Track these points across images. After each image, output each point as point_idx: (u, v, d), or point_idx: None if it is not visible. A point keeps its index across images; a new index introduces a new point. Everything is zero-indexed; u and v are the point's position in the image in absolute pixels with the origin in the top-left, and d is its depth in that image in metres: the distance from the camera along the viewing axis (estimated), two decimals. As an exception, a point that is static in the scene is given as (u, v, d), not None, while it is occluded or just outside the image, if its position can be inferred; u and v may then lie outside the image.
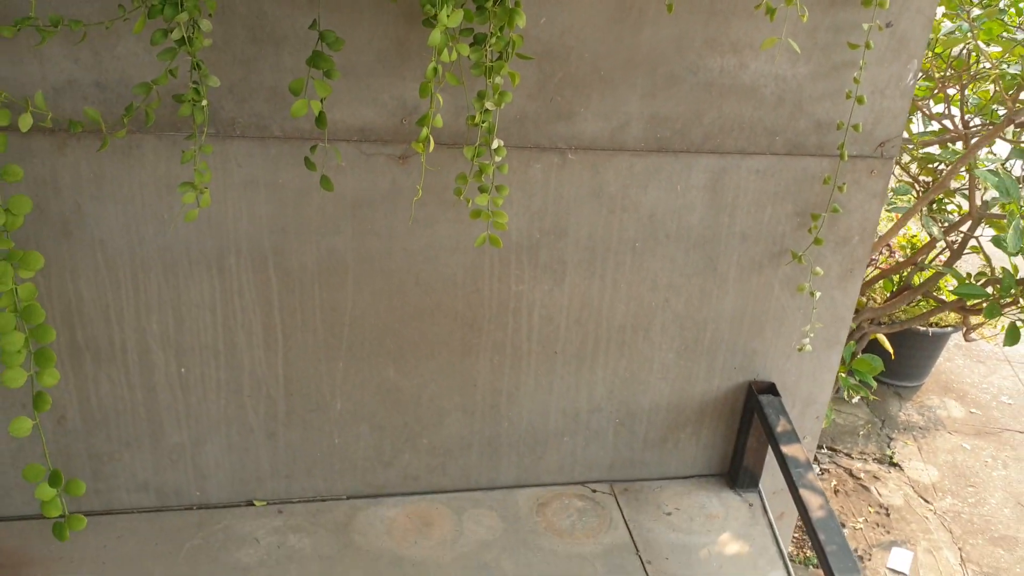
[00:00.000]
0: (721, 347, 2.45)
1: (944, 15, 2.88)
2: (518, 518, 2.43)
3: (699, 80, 2.09)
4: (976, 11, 2.65)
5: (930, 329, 4.52)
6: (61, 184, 1.93)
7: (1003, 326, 4.07)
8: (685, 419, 2.54)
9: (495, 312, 2.28)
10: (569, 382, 2.42)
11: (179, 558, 2.23)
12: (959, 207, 3.83)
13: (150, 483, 2.34)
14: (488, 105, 1.83)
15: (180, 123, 1.92)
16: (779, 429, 2.30)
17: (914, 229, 4.77)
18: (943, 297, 4.09)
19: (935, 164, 3.85)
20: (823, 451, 4.26)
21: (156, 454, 2.29)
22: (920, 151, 3.66)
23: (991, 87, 3.23)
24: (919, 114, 3.60)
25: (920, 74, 3.42)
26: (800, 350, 2.43)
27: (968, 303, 3.52)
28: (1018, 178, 3.27)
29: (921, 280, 3.93)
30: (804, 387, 2.55)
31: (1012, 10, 2.96)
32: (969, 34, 2.83)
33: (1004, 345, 3.11)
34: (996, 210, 3.24)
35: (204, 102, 1.73)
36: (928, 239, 3.77)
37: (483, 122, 1.86)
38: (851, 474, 4.14)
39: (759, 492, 2.56)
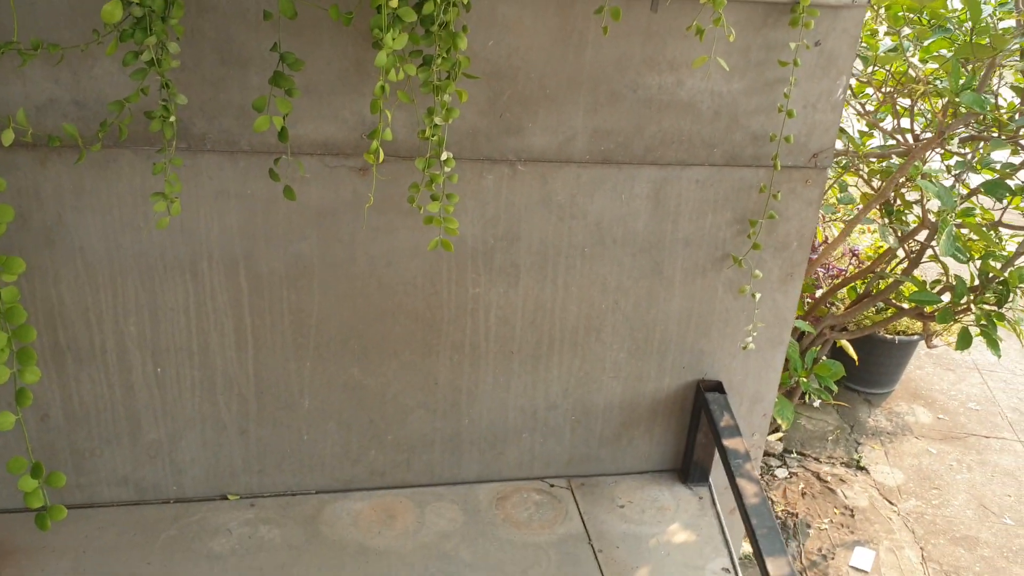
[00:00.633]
0: (670, 347, 2.59)
1: (886, 33, 3.04)
2: (478, 511, 2.57)
3: (639, 97, 2.25)
4: (907, 29, 2.81)
5: (897, 337, 4.67)
6: (43, 195, 2.08)
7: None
8: (638, 417, 2.68)
9: (454, 314, 2.43)
10: (526, 381, 2.56)
11: (155, 547, 2.36)
12: (919, 217, 3.99)
13: (129, 478, 2.48)
14: (437, 120, 1.99)
15: (153, 138, 2.07)
16: (722, 424, 2.44)
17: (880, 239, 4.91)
18: (904, 304, 4.23)
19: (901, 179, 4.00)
20: (792, 455, 4.40)
21: (135, 450, 2.44)
22: (881, 164, 3.81)
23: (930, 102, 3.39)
24: (878, 130, 3.76)
25: (857, 89, 3.58)
26: (744, 348, 2.58)
27: (926, 310, 3.67)
28: (973, 187, 3.42)
29: (882, 288, 4.08)
30: (751, 386, 2.69)
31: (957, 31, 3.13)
32: (911, 50, 2.99)
33: (956, 349, 3.26)
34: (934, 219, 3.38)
35: (172, 118, 1.88)
36: (888, 248, 3.92)
37: (433, 136, 2.01)
38: (818, 477, 4.27)
39: (709, 486, 2.70)
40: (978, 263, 3.29)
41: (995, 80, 3.27)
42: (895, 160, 3.71)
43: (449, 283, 2.39)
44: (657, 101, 2.26)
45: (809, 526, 3.91)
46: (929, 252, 3.74)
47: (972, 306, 3.33)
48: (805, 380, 3.74)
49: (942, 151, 3.53)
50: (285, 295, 2.32)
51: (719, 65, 2.22)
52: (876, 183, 3.99)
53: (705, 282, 2.51)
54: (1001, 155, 3.37)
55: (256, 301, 2.31)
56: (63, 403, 2.33)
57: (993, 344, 3.22)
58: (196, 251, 2.23)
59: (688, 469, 2.70)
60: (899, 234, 3.71)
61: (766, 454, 4.38)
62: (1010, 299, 3.32)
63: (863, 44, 3.18)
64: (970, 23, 2.59)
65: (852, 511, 4.03)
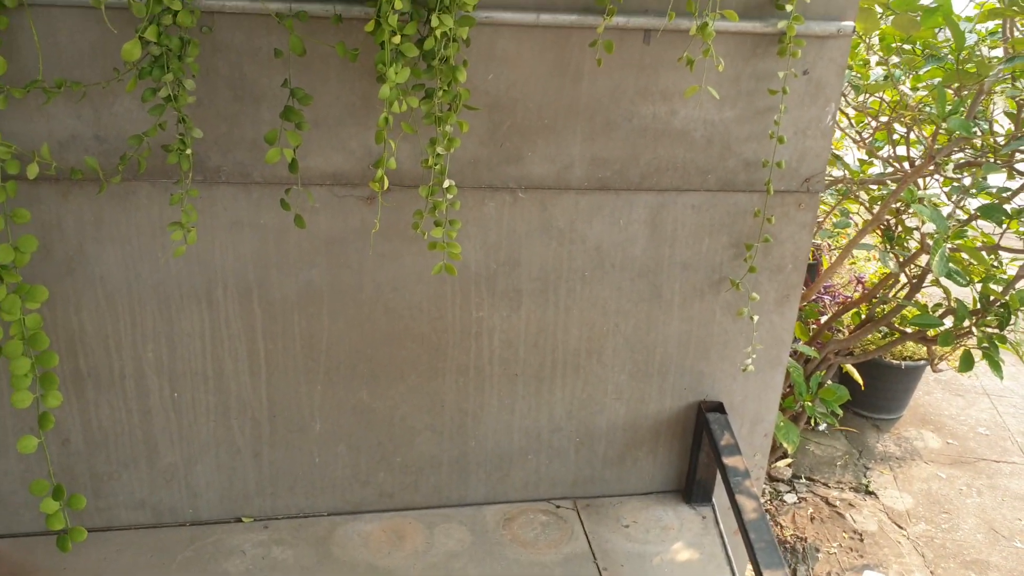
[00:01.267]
0: (671, 369, 2.66)
1: (877, 62, 3.14)
2: (485, 531, 2.63)
3: (634, 126, 2.34)
4: (895, 58, 2.90)
5: (903, 362, 4.71)
6: (65, 227, 2.18)
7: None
8: (641, 438, 2.74)
9: (459, 337, 2.51)
10: (530, 403, 2.63)
11: (172, 569, 2.43)
12: (920, 243, 4.05)
13: (146, 501, 2.55)
14: (439, 150, 2.08)
15: (171, 171, 2.17)
16: (723, 443, 2.50)
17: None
18: (907, 329, 4.28)
19: (897, 204, 4.07)
20: (801, 481, 4.43)
21: (152, 474, 2.52)
22: (881, 190, 3.89)
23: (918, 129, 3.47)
24: (877, 158, 3.84)
25: (857, 117, 3.66)
26: (744, 370, 2.64)
27: (929, 333, 3.72)
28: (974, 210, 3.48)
29: (885, 312, 4.13)
30: (751, 406, 2.75)
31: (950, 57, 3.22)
32: (903, 78, 3.08)
33: (959, 371, 3.30)
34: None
35: (188, 151, 1.98)
36: (884, 272, 3.98)
37: (435, 165, 2.11)
38: (827, 502, 4.29)
39: (712, 505, 2.75)
40: (979, 286, 3.35)
41: (990, 106, 3.35)
42: (892, 186, 3.78)
43: (454, 307, 2.47)
44: (652, 130, 2.35)
45: (818, 550, 3.93)
46: (931, 276, 3.80)
47: (974, 329, 3.38)
48: (810, 404, 3.79)
49: (942, 177, 3.61)
50: (296, 321, 2.41)
51: (710, 94, 2.31)
52: (876, 210, 4.06)
53: (703, 305, 2.59)
54: (998, 179, 3.44)
55: (269, 327, 2.40)
56: (83, 428, 2.42)
57: (995, 366, 3.26)
58: (211, 279, 2.32)
59: (691, 489, 2.75)
60: (900, 259, 3.77)
61: (775, 479, 4.42)
62: (1012, 322, 3.37)
63: (855, 74, 3.27)
64: (958, 51, 2.68)
65: (861, 535, 4.05)
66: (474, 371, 2.56)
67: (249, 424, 2.50)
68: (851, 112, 3.95)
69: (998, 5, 2.70)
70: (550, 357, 2.58)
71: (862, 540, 4.03)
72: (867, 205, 3.98)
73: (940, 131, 2.94)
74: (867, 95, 3.33)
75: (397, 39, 1.88)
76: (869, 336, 4.23)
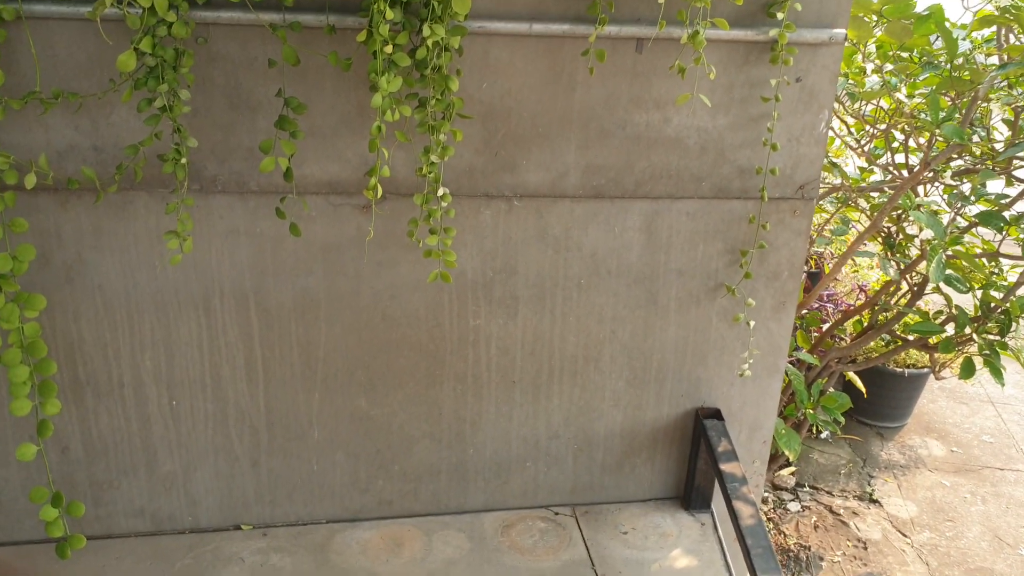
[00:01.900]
0: (668, 376, 2.67)
1: (873, 70, 3.15)
2: (484, 539, 2.63)
3: (628, 134, 2.35)
4: (889, 66, 2.91)
5: (906, 370, 4.70)
6: (64, 236, 2.21)
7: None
8: (639, 445, 2.75)
9: (456, 345, 2.52)
10: (528, 410, 2.64)
11: (171, 575, 2.45)
12: (921, 251, 4.05)
13: (145, 509, 2.57)
14: (433, 158, 2.10)
15: (168, 180, 2.20)
16: (720, 449, 2.51)
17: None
18: (909, 336, 4.27)
19: (898, 211, 4.08)
20: (805, 489, 4.42)
21: (151, 482, 2.53)
22: (881, 198, 3.89)
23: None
24: (876, 166, 3.85)
25: (861, 128, 3.67)
26: (741, 375, 2.65)
27: (931, 341, 3.71)
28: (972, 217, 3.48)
29: (886, 320, 4.13)
30: (749, 413, 2.75)
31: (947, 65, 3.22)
32: (900, 86, 3.09)
33: (960, 378, 3.30)
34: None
35: (184, 160, 2.01)
36: (884, 279, 3.98)
37: (430, 173, 2.13)
38: (831, 510, 4.28)
39: (711, 512, 2.75)
40: (979, 293, 3.35)
41: (990, 113, 3.35)
42: (890, 193, 3.78)
43: (451, 315, 2.48)
44: (645, 138, 2.37)
45: (822, 559, 3.92)
46: (932, 284, 3.79)
47: (975, 336, 3.38)
48: (812, 412, 3.79)
49: (942, 184, 3.61)
50: (293, 329, 2.42)
51: (703, 102, 2.32)
52: (876, 217, 4.07)
53: (699, 311, 2.59)
54: (997, 186, 3.44)
55: (266, 335, 2.42)
56: (83, 436, 2.44)
57: (997, 373, 3.26)
58: (209, 288, 2.34)
59: (690, 496, 2.75)
60: (900, 266, 3.77)
61: (779, 488, 4.41)
62: (1012, 328, 3.36)
63: (851, 82, 3.28)
64: (951, 58, 2.68)
65: (865, 544, 4.04)
66: (472, 379, 2.57)
67: (247, 432, 2.52)
68: (850, 120, 3.96)
69: (996, 13, 2.71)
70: (547, 364, 2.59)
71: (866, 548, 4.01)
72: (867, 213, 3.98)
73: (936, 138, 2.94)
74: (863, 103, 3.33)
75: (389, 49, 1.90)
76: (871, 344, 4.22)
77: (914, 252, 4.00)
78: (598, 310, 2.55)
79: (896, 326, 3.98)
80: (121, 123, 2.12)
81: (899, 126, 3.35)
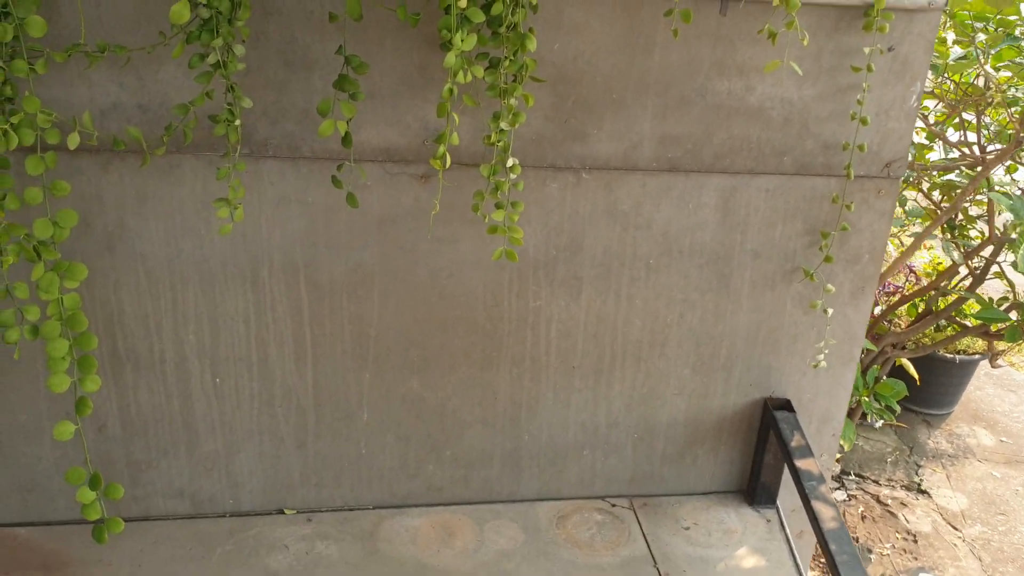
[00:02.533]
0: (737, 363, 2.51)
1: (955, 41, 2.96)
2: (538, 530, 2.49)
3: (708, 102, 2.19)
4: (981, 36, 2.72)
5: (957, 356, 4.53)
6: (106, 200, 2.06)
7: (1030, 352, 4.08)
8: (703, 435, 2.60)
9: (514, 326, 2.37)
10: (587, 396, 2.49)
11: (211, 562, 2.32)
12: (982, 233, 3.88)
13: (185, 491, 2.44)
14: (503, 125, 1.94)
15: (216, 144, 2.04)
16: (793, 444, 2.36)
17: (940, 255, 4.80)
18: (967, 322, 4.11)
19: (957, 191, 3.89)
20: (850, 477, 4.27)
21: (191, 462, 2.40)
22: (941, 178, 3.71)
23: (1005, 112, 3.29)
24: (939, 142, 3.66)
25: (922, 98, 3.49)
26: (815, 367, 2.49)
27: (992, 328, 3.55)
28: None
29: (944, 305, 3.97)
30: (820, 404, 2.60)
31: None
32: (981, 59, 2.90)
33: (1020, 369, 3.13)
34: (1014, 235, 3.28)
35: (237, 122, 1.85)
36: (950, 264, 3.81)
37: (499, 141, 1.97)
38: (879, 500, 4.14)
39: (777, 508, 2.61)
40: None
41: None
42: (956, 175, 3.61)
43: (510, 295, 2.33)
44: (727, 107, 2.20)
45: (871, 551, 3.78)
46: (995, 269, 3.63)
47: (1042, 324, 3.22)
48: (867, 400, 3.64)
49: (1009, 162, 3.43)
50: (345, 304, 2.28)
51: (790, 70, 2.15)
52: (936, 196, 3.89)
53: (774, 295, 2.43)
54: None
55: (316, 310, 2.28)
56: (120, 413, 2.31)
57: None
58: (257, 259, 2.19)
59: (754, 490, 2.61)
60: (963, 249, 3.60)
61: (824, 476, 4.26)
62: (1082, 318, 3.21)
63: (933, 52, 3.09)
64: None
65: (915, 536, 3.90)
66: (529, 362, 2.42)
67: (294, 412, 2.38)
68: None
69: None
70: (609, 349, 2.44)
71: (916, 541, 3.87)
72: (925, 191, 3.81)
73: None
74: (944, 76, 3.15)
75: (463, 3, 1.74)
76: (926, 330, 4.06)
77: (974, 234, 3.83)
78: (667, 292, 2.39)
79: (953, 312, 3.81)
80: (169, 80, 1.96)
81: (972, 101, 3.17)
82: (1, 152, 1.78)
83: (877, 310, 4.20)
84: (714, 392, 2.54)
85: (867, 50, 2.16)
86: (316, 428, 2.41)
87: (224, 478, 2.44)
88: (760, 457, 2.57)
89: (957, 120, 3.50)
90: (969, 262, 3.68)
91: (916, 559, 3.77)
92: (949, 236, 3.74)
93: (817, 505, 2.16)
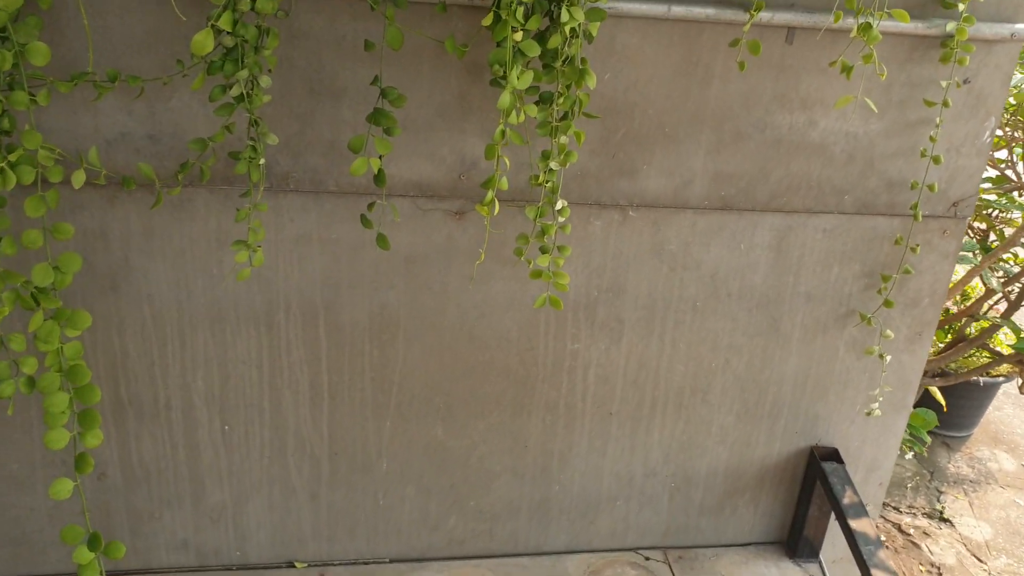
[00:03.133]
0: (783, 411, 2.35)
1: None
2: (568, 585, 2.33)
3: (766, 137, 2.01)
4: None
5: (982, 379, 4.39)
6: (110, 237, 1.87)
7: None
8: (744, 485, 2.44)
9: (549, 371, 2.20)
10: (624, 444, 2.33)
11: (218, 622, 2.15)
12: (1015, 255, 3.73)
13: (190, 542, 2.26)
14: (552, 165, 1.76)
15: (233, 177, 1.85)
16: (846, 501, 2.20)
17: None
18: (999, 349, 3.97)
19: (989, 210, 3.74)
20: (871, 505, 4.13)
21: (197, 513, 2.22)
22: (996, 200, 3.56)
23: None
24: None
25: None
26: (868, 414, 2.33)
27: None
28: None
29: (976, 331, 3.82)
30: (868, 453, 2.44)
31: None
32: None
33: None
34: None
35: (262, 161, 1.66)
36: (983, 289, 3.66)
37: (547, 182, 1.78)
38: (900, 529, 4.00)
39: (820, 563, 2.45)
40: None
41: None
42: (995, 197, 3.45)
43: (546, 338, 2.16)
44: (787, 142, 2.02)
45: (895, 585, 3.63)
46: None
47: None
48: (898, 431, 3.48)
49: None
50: (367, 349, 2.10)
51: (857, 105, 1.98)
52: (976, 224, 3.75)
53: (826, 340, 2.27)
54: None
55: (335, 355, 2.09)
56: (121, 462, 2.12)
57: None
58: (273, 300, 2.01)
59: (796, 543, 2.45)
60: (1005, 276, 3.45)
61: (844, 503, 4.11)
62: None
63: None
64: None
65: (939, 569, 3.76)
66: (564, 408, 2.25)
67: (308, 462, 2.20)
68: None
69: None
70: (650, 395, 2.27)
71: (941, 574, 3.73)
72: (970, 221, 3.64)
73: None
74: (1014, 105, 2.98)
75: (519, 36, 1.55)
76: (958, 357, 3.91)
77: (1006, 256, 3.68)
78: (713, 336, 2.22)
79: (987, 338, 3.67)
80: (182, 108, 1.77)
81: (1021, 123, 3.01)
82: (-4, 192, 1.59)
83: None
84: (757, 440, 2.38)
85: (944, 83, 1.99)
86: (331, 479, 2.23)
87: (231, 530, 2.26)
88: (804, 509, 2.41)
89: (1011, 145, 3.35)
90: (1006, 288, 3.53)
91: (941, 594, 3.63)
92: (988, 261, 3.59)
93: (877, 574, 2.00)
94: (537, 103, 1.73)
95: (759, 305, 2.20)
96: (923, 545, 3.90)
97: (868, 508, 2.50)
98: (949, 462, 4.48)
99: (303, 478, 2.22)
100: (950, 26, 1.91)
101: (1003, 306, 4.15)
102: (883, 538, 3.91)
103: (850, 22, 1.85)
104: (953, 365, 4.10)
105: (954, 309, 4.37)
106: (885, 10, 1.80)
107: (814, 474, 2.35)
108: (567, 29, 1.59)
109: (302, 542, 2.31)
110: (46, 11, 1.61)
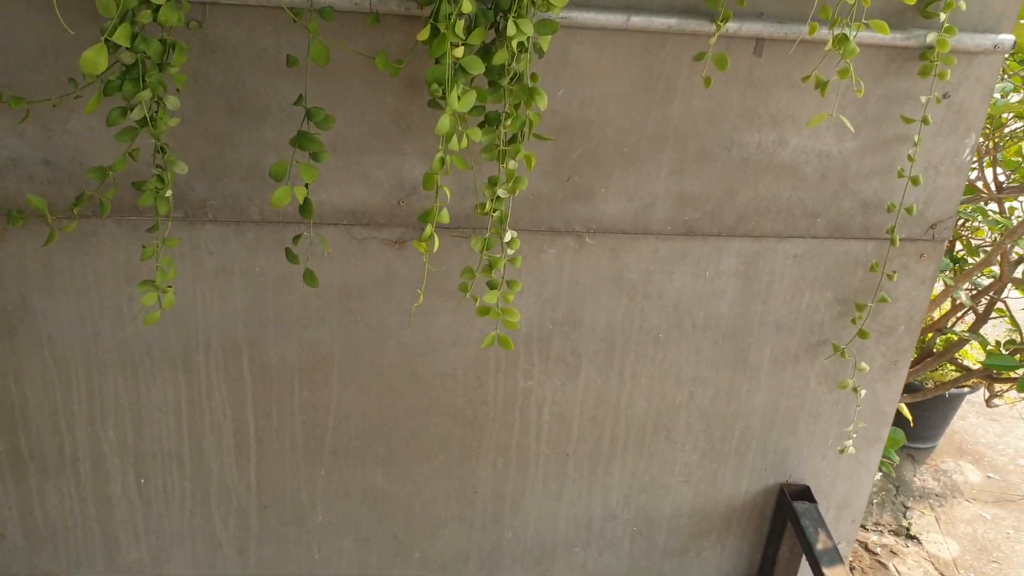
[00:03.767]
0: (751, 446, 2.19)
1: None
2: (522, 638, 2.16)
3: (733, 157, 1.85)
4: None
5: (947, 391, 4.29)
6: (3, 275, 1.66)
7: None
8: (710, 525, 2.28)
9: (500, 410, 2.02)
10: (581, 487, 2.15)
11: None
12: (988, 270, 3.63)
13: (104, 603, 2.06)
14: (500, 192, 1.58)
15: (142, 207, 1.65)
16: (819, 547, 2.05)
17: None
18: (967, 363, 3.87)
19: (959, 220, 3.63)
20: (836, 523, 4.01)
21: (111, 571, 2.01)
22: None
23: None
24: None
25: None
26: (842, 452, 2.18)
27: (1004, 374, 3.32)
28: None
29: (943, 345, 3.72)
30: (840, 489, 2.30)
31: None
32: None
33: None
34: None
35: (168, 192, 1.46)
36: (950, 303, 3.56)
37: (494, 211, 1.60)
38: (867, 548, 3.88)
39: (790, 605, 2.30)
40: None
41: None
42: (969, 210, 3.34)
43: (496, 375, 1.98)
44: (755, 162, 1.86)
45: (863, 609, 3.52)
46: (998, 306, 3.39)
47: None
48: (866, 451, 3.36)
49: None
50: (297, 390, 1.90)
51: (831, 122, 1.82)
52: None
53: (796, 372, 2.12)
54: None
55: (261, 397, 1.90)
56: (23, 520, 1.91)
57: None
58: (190, 339, 1.80)
59: (765, 584, 2.30)
60: (975, 290, 3.34)
61: (809, 522, 3.99)
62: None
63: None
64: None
65: (907, 589, 3.65)
66: (516, 450, 2.07)
67: (234, 514, 2.00)
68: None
69: None
70: (609, 433, 2.10)
71: (908, 595, 3.62)
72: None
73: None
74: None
75: (459, 52, 1.37)
76: (926, 372, 3.81)
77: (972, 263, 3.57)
78: (676, 370, 2.06)
79: (955, 352, 3.56)
80: (83, 130, 1.56)
81: (996, 136, 2.89)
82: None
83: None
84: (724, 478, 2.22)
85: (923, 98, 1.84)
86: (260, 532, 2.03)
87: (152, 589, 2.06)
88: (774, 550, 2.26)
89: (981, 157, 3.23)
90: (975, 301, 3.42)
91: (909, 616, 3.52)
92: (955, 273, 3.48)
93: (854, 631, 1.85)
94: (482, 125, 1.55)
95: (725, 336, 2.04)
96: (891, 565, 3.78)
97: (841, 547, 2.36)
98: (915, 475, 4.38)
99: (229, 531, 2.02)
100: (930, 37, 1.76)
101: (971, 317, 4.06)
102: (850, 559, 3.80)
103: (824, 33, 1.69)
104: (920, 378, 3.99)
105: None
106: (863, 20, 1.64)
107: (784, 514, 2.20)
108: (514, 43, 1.41)
109: (230, 600, 2.11)
110: (-89, 21, 1.39)
